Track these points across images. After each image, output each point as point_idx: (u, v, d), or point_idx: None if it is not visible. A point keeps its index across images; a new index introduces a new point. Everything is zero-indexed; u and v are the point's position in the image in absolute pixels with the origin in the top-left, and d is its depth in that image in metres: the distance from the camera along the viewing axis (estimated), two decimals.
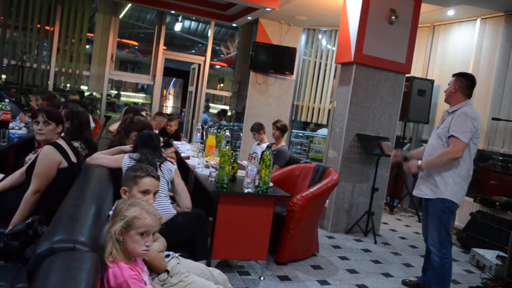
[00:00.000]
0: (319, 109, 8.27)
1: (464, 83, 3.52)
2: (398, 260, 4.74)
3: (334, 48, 7.97)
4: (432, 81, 6.61)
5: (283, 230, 4.06)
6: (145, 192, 2.33)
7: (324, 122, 8.27)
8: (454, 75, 3.60)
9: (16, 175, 3.17)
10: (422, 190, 3.63)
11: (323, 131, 9.04)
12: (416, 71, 7.04)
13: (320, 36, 8.47)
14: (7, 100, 4.47)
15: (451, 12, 6.37)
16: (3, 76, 7.73)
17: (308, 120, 8.58)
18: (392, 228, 6.06)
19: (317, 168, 4.74)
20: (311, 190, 4.15)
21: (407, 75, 5.69)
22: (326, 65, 8.34)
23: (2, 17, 6.95)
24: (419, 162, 3.54)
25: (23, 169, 3.14)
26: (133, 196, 2.27)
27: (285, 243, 4.07)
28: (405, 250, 5.10)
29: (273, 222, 3.60)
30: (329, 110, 7.99)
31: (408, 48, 5.47)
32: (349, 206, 5.54)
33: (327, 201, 5.35)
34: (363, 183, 5.57)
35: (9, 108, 4.33)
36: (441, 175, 3.46)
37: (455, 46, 6.66)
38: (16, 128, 4.76)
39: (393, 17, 5.28)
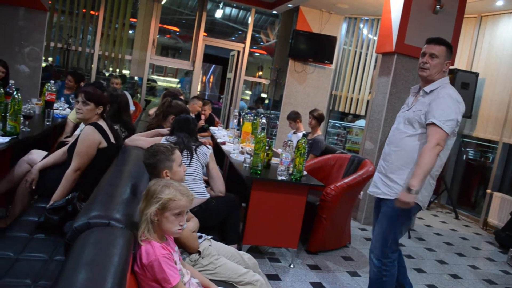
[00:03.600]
0: (358, 99, 8.15)
1: (450, 55, 2.78)
2: (432, 256, 4.66)
3: (375, 38, 7.81)
4: (476, 74, 6.38)
5: (315, 219, 4.06)
6: (180, 164, 2.42)
7: (362, 113, 8.15)
8: (435, 42, 2.74)
9: (58, 153, 3.31)
10: (379, 188, 2.86)
11: (361, 122, 8.90)
12: (460, 63, 6.81)
13: (361, 25, 8.31)
14: (52, 81, 4.63)
15: (500, 3, 6.11)
16: (50, 59, 8.01)
17: (346, 111, 8.47)
18: (427, 224, 5.95)
19: (353, 159, 4.70)
20: (345, 180, 4.12)
21: (450, 67, 5.50)
22: (366, 55, 8.19)
23: (50, 2, 7.17)
24: (407, 186, 2.57)
25: (65, 147, 3.27)
26: (174, 173, 2.35)
27: (317, 233, 4.07)
28: (440, 247, 5.00)
29: (305, 211, 3.61)
30: (367, 101, 7.86)
31: (453, 39, 5.29)
32: None
33: (361, 192, 5.30)
34: None
35: (54, 89, 4.50)
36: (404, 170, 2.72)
37: (503, 38, 6.39)
38: (60, 108, 4.94)
39: (438, 6, 5.11)
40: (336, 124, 9.51)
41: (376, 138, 5.37)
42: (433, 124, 2.56)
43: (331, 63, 8.27)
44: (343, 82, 8.45)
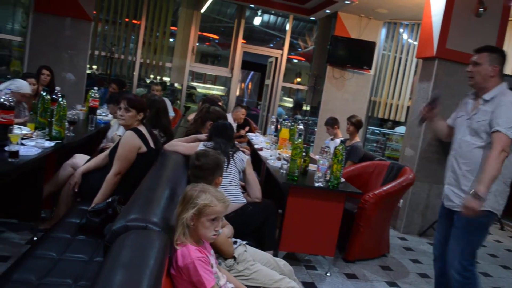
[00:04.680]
0: (398, 105, 8.00)
1: (495, 60, 2.75)
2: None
3: (416, 43, 7.65)
4: None
5: (353, 227, 3.99)
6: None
7: (402, 119, 7.98)
8: (476, 51, 2.82)
9: (100, 157, 3.42)
10: (452, 201, 2.82)
11: (401, 129, 8.71)
12: (505, 68, 6.55)
13: (401, 30, 8.16)
14: (96, 88, 4.79)
15: None
16: (94, 67, 8.29)
17: (386, 117, 8.32)
18: None
19: (392, 166, 4.61)
20: (384, 188, 4.04)
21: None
22: (406, 60, 8.03)
23: (95, 12, 7.43)
24: (472, 191, 2.52)
25: (107, 152, 3.37)
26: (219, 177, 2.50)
27: (354, 241, 4.01)
28: (484, 259, 4.81)
29: (343, 219, 3.56)
30: (408, 107, 7.70)
31: (497, 43, 5.10)
32: (424, 207, 5.32)
33: (401, 200, 5.18)
34: (440, 185, 5.25)
35: (97, 96, 4.65)
36: None
37: None
38: (103, 114, 5.09)
39: (481, 9, 4.95)
40: (375, 131, 9.35)
41: (417, 145, 5.24)
42: (497, 131, 2.56)
43: (370, 68, 8.16)
44: (382, 88, 8.31)
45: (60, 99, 3.42)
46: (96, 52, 7.94)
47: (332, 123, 5.64)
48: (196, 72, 10.32)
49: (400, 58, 8.12)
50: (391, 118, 8.21)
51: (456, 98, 5.15)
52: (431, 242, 5.09)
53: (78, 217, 2.87)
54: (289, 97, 12.79)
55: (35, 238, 3.36)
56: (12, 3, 7.87)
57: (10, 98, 2.82)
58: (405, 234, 5.27)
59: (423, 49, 5.32)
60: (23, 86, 4.11)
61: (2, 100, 2.79)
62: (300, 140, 3.52)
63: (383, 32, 8.37)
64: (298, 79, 11.70)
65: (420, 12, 5.71)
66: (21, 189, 3.12)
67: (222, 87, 13.75)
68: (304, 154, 3.65)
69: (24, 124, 3.64)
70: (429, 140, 5.19)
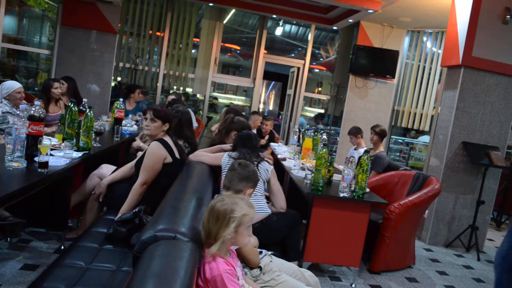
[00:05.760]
0: (421, 114, 7.89)
1: None
2: None
3: (440, 51, 7.56)
4: None
5: (378, 238, 3.94)
6: None
7: (426, 128, 7.86)
8: None
9: (126, 168, 3.46)
10: None
11: (425, 138, 8.59)
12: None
13: (424, 38, 8.08)
14: (121, 99, 4.87)
15: None
16: (119, 78, 8.43)
17: (409, 126, 8.21)
18: (498, 246, 5.59)
19: (417, 176, 4.54)
20: (410, 198, 3.99)
21: None
22: (430, 68, 7.93)
23: (120, 25, 7.58)
24: None
25: (133, 162, 3.42)
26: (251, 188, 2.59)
27: (380, 252, 3.95)
28: None
29: (368, 229, 3.52)
30: (432, 116, 7.59)
31: None
32: (450, 218, 5.22)
33: (427, 211, 5.10)
34: (467, 195, 5.22)
35: (123, 107, 4.72)
36: None
37: None
38: (128, 125, 5.16)
39: (508, 16, 4.88)
40: (399, 140, 9.24)
41: (442, 154, 5.16)
42: None
43: (393, 77, 8.09)
44: (406, 96, 8.22)
45: (88, 111, 3.49)
46: (121, 64, 8.08)
47: (355, 132, 5.60)
48: (217, 82, 10.39)
49: (424, 67, 8.02)
50: (415, 127, 8.09)
51: (482, 107, 5.09)
52: (458, 254, 4.99)
53: (105, 227, 2.90)
54: (310, 106, 12.76)
55: (62, 247, 3.41)
56: (40, 17, 8.08)
57: (40, 110, 2.89)
58: (431, 245, 5.17)
59: (448, 58, 5.25)
60: (12, 84, 4.20)
61: (32, 112, 2.86)
62: (324, 150, 3.50)
63: (406, 40, 8.29)
64: (320, 89, 11.68)
65: (445, 20, 5.65)
66: (49, 199, 3.17)
67: (244, 97, 13.82)
68: (328, 164, 3.63)
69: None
70: (455, 150, 5.11)
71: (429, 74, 7.93)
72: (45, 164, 2.68)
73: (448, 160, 5.12)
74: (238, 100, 13.91)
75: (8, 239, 3.42)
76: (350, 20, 7.61)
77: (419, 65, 8.09)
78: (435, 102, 7.60)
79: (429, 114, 7.76)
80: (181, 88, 8.47)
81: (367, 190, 3.60)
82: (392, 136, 8.78)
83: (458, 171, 5.15)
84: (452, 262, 4.72)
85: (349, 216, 3.46)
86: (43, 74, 7.91)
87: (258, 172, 3.24)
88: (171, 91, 8.72)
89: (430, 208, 5.15)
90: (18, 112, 3.34)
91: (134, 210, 2.82)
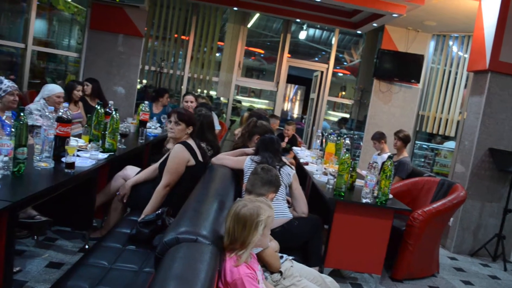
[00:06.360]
0: (447, 120, 7.76)
1: None
2: None
3: (466, 56, 7.42)
4: None
5: (401, 245, 3.89)
6: None
7: (452, 134, 7.72)
8: None
9: (150, 170, 3.51)
10: None
11: (450, 144, 8.44)
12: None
13: (450, 43, 7.95)
14: (146, 102, 4.94)
15: None
16: (144, 81, 8.55)
17: (434, 132, 8.08)
18: None
19: (442, 183, 4.47)
20: (434, 205, 3.93)
21: None
22: (456, 73, 7.79)
23: (146, 28, 7.70)
24: None
25: (157, 164, 3.46)
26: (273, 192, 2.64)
27: (403, 259, 3.90)
28: None
29: (390, 236, 3.47)
30: (458, 122, 7.45)
31: None
32: (476, 226, 5.12)
33: (451, 219, 5.01)
34: (493, 203, 5.10)
35: (147, 109, 4.79)
36: None
37: None
38: (153, 127, 5.23)
39: None
40: (423, 146, 9.11)
41: (468, 161, 5.07)
42: None
43: (418, 82, 7.98)
44: (431, 101, 8.09)
45: (114, 113, 3.55)
46: (146, 67, 8.20)
47: (379, 137, 5.55)
48: (240, 86, 10.44)
49: (450, 71, 7.89)
50: (440, 132, 7.96)
51: (510, 113, 4.98)
52: (484, 263, 4.88)
53: (128, 228, 2.95)
54: (333, 111, 12.70)
55: (87, 246, 3.48)
56: (69, 21, 8.27)
57: (68, 112, 2.96)
58: (456, 254, 5.08)
59: (475, 62, 5.16)
60: (54, 88, 4.33)
61: (60, 113, 2.93)
62: (347, 155, 3.48)
63: (432, 44, 8.18)
64: (343, 93, 11.61)
65: (471, 24, 5.56)
66: (75, 199, 3.24)
67: (267, 101, 13.85)
68: (351, 169, 3.60)
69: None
70: (481, 156, 5.01)
71: (455, 78, 7.79)
72: (71, 165, 2.74)
73: (474, 167, 5.02)
74: (262, 104, 13.95)
75: (35, 237, 3.51)
76: (375, 24, 7.56)
77: (444, 70, 7.96)
78: (461, 107, 7.47)
79: (455, 119, 7.63)
80: (205, 91, 8.54)
81: (390, 196, 3.56)
82: (416, 142, 8.65)
83: (484, 178, 5.05)
84: (478, 271, 4.62)
85: (372, 222, 3.43)
86: (71, 76, 8.08)
87: (280, 176, 3.25)
88: (195, 94, 8.76)
89: (455, 216, 5.05)
90: (47, 113, 3.44)
91: (157, 212, 2.86)
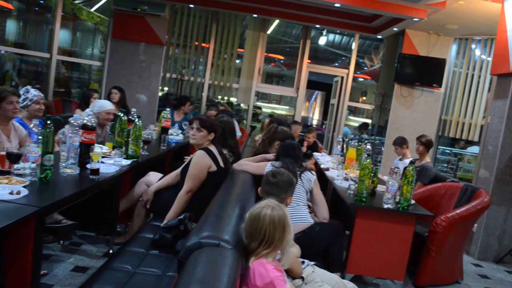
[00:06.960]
0: (470, 124, 7.64)
1: None
2: None
3: (490, 59, 7.31)
4: None
5: (423, 251, 3.85)
6: None
7: (476, 139, 7.60)
8: None
9: (172, 176, 3.56)
10: None
11: (474, 149, 8.31)
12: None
13: (473, 46, 7.84)
14: (168, 109, 5.01)
15: None
16: (166, 88, 8.67)
17: (457, 136, 7.96)
18: None
19: (466, 188, 4.40)
20: (458, 211, 3.87)
21: None
22: (479, 77, 7.67)
23: (167, 37, 7.82)
24: None
25: (178, 170, 3.51)
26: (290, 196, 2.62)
27: (425, 266, 3.85)
28: None
29: (413, 242, 3.44)
30: (481, 126, 7.34)
31: None
32: (501, 232, 5.02)
33: (475, 225, 4.92)
34: None
35: (169, 116, 4.86)
36: None
37: None
38: (174, 134, 5.30)
39: None
40: (446, 151, 8.98)
41: (492, 166, 4.98)
42: None
43: (440, 86, 7.89)
44: (453, 106, 7.99)
45: (136, 120, 3.62)
46: (168, 75, 8.31)
47: (400, 142, 5.50)
48: (261, 92, 10.48)
49: (473, 75, 7.78)
50: (463, 137, 7.84)
51: None
52: (509, 270, 4.79)
53: (151, 233, 3.00)
54: (354, 116, 12.64)
55: (111, 251, 3.54)
56: (92, 31, 8.46)
57: (92, 119, 3.04)
58: (480, 261, 4.99)
59: (498, 66, 5.09)
60: (105, 104, 4.31)
61: (85, 121, 3.01)
62: (368, 160, 3.47)
63: (454, 48, 8.08)
64: (364, 98, 11.56)
65: (494, 27, 5.48)
66: (99, 205, 3.30)
67: (287, 107, 13.87)
68: (372, 174, 3.59)
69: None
70: (506, 161, 4.92)
71: (478, 82, 7.68)
72: (96, 171, 2.81)
73: (498, 172, 4.93)
74: (282, 110, 13.98)
75: (61, 241, 3.59)
76: (395, 29, 7.51)
77: (467, 73, 7.85)
78: (485, 111, 7.35)
79: (478, 123, 7.51)
80: (226, 98, 8.61)
81: (412, 201, 3.53)
82: (439, 147, 8.53)
83: (509, 183, 4.95)
84: (503, 278, 4.53)
85: (394, 228, 3.40)
86: (94, 85, 8.26)
87: (301, 181, 3.26)
88: (216, 101, 8.86)
89: (479, 222, 4.97)
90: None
91: (179, 217, 2.90)
